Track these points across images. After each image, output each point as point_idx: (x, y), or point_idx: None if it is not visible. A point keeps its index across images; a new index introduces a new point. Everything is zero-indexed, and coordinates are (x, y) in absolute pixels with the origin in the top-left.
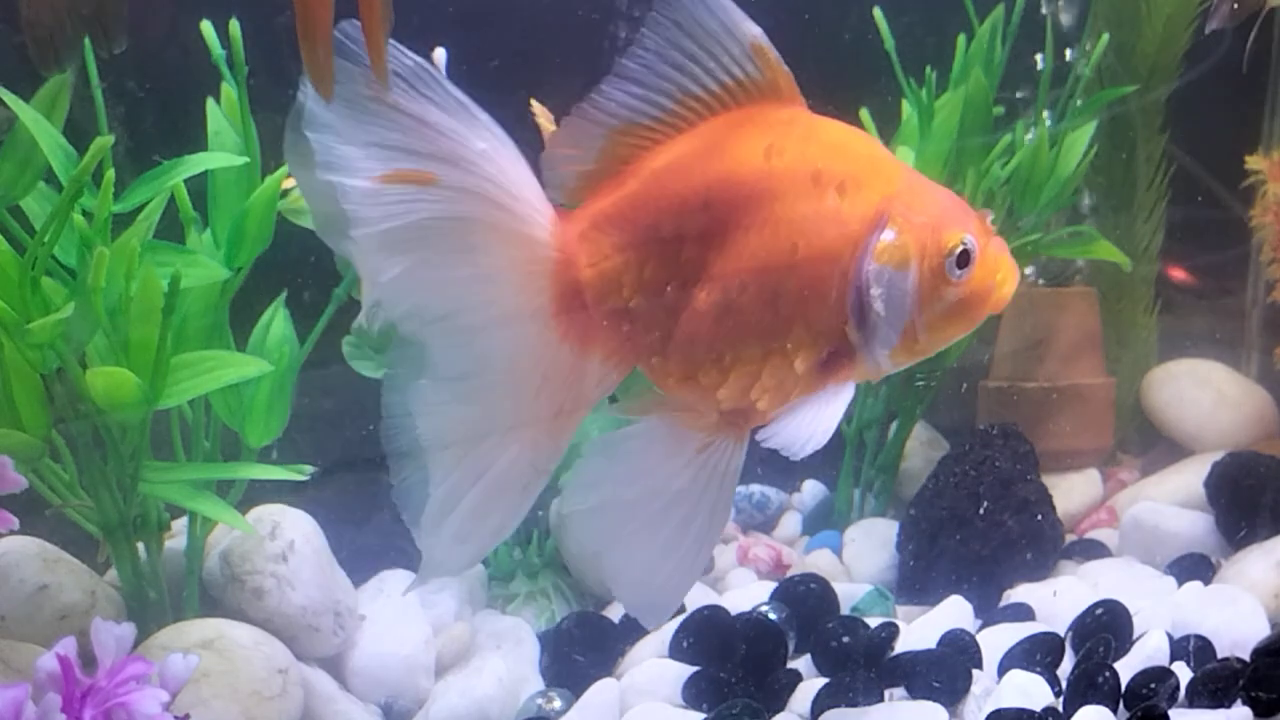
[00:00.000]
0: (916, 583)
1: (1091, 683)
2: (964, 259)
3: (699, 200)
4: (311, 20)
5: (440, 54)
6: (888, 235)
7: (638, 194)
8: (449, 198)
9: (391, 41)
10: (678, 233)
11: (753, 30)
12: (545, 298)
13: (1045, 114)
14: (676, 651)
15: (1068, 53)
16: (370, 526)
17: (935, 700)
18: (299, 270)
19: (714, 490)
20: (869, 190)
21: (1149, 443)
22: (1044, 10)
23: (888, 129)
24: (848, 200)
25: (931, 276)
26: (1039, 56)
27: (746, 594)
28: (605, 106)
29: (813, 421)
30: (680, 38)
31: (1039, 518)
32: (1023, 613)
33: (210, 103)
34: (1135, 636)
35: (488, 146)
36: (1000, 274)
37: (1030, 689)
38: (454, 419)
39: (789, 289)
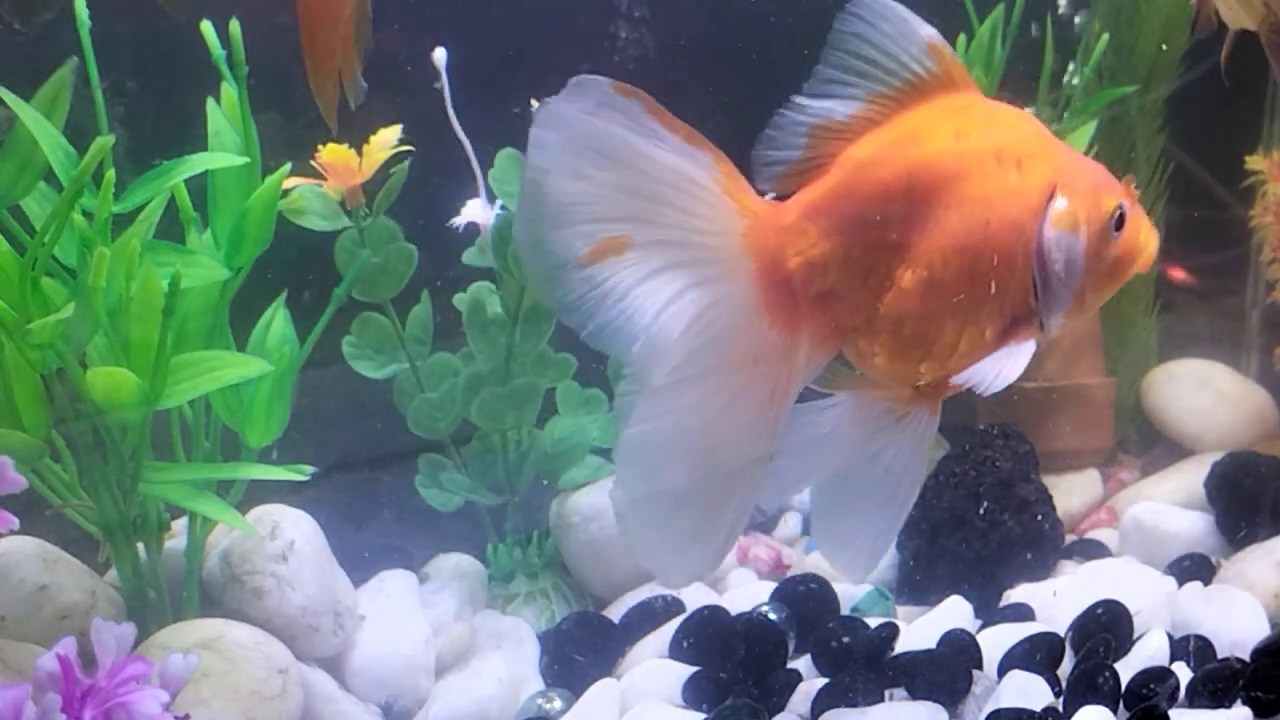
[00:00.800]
0: (916, 583)
1: (1091, 683)
2: (1120, 221)
3: (902, 185)
4: (319, 54)
5: (440, 54)
6: (1060, 204)
7: (843, 184)
8: (643, 256)
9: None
10: (883, 218)
11: (928, 31)
12: (752, 292)
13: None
14: (676, 651)
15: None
16: (370, 526)
17: (935, 700)
18: (299, 270)
19: (911, 457)
20: (1041, 164)
21: (1149, 443)
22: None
23: None
24: (1025, 174)
25: (1096, 239)
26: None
27: (746, 594)
28: (805, 107)
29: (1002, 367)
30: (864, 45)
31: (1039, 518)
32: (1023, 613)
33: (210, 103)
34: (1135, 636)
35: (674, 176)
36: (1144, 233)
37: (1030, 689)
38: (678, 417)
39: (984, 261)
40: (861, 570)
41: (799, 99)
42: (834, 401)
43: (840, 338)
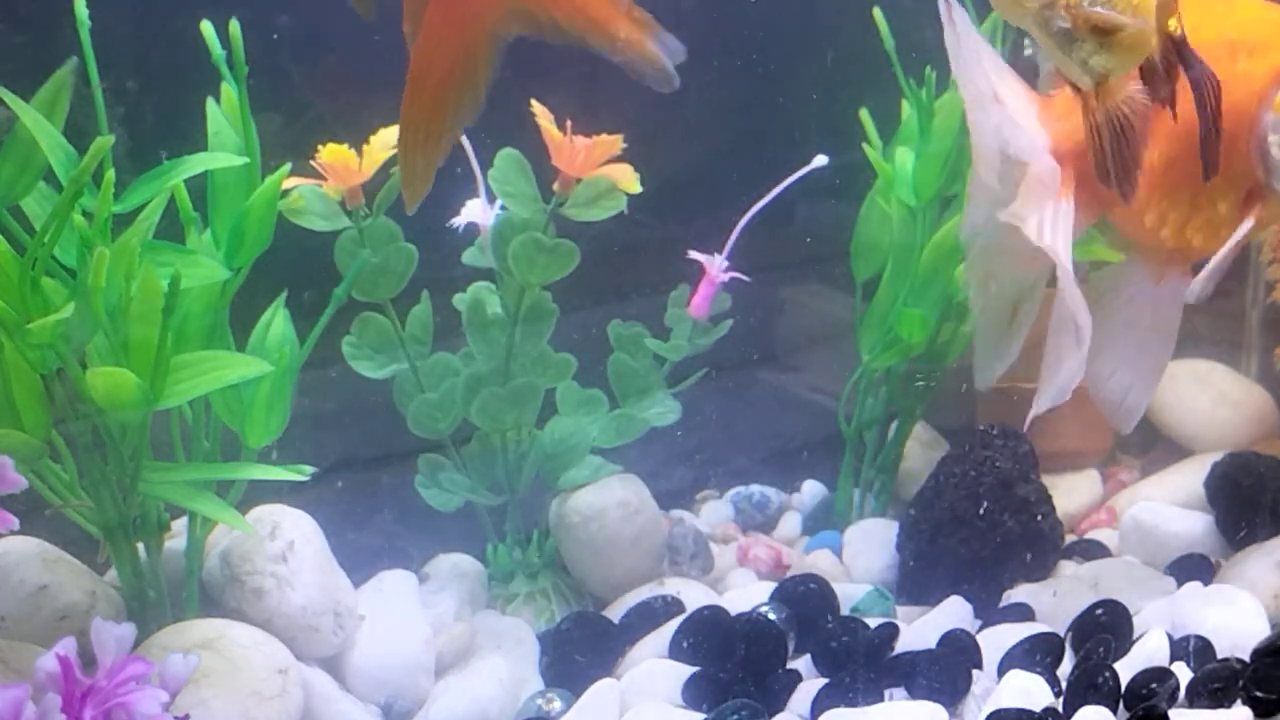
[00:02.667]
0: (916, 583)
1: (1091, 683)
2: None
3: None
4: (421, 133)
5: None
6: None
7: None
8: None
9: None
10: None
11: None
12: (1045, 163)
13: None
14: (676, 652)
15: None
16: (370, 526)
17: (935, 700)
18: (299, 270)
19: (1170, 312)
20: (1273, 53)
21: (1149, 443)
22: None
23: (888, 129)
24: (1255, 62)
25: None
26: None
27: (746, 594)
28: None
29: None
30: None
31: (1039, 518)
32: (1023, 613)
33: (210, 103)
34: (1135, 636)
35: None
36: None
37: (1030, 689)
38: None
39: None
40: (1133, 421)
41: None
42: (1113, 269)
43: (1100, 208)
